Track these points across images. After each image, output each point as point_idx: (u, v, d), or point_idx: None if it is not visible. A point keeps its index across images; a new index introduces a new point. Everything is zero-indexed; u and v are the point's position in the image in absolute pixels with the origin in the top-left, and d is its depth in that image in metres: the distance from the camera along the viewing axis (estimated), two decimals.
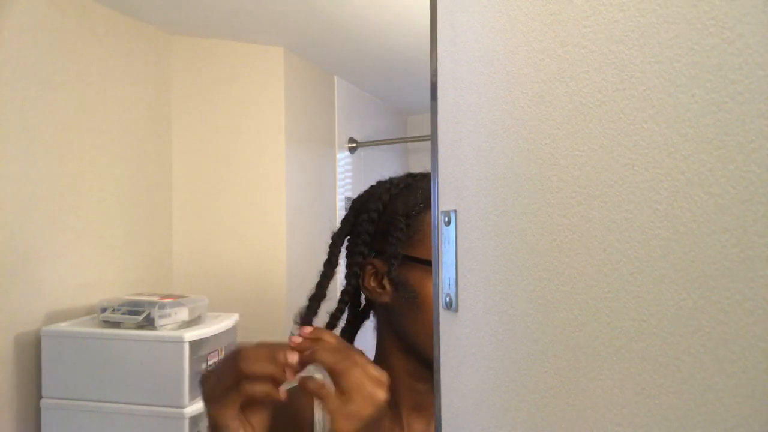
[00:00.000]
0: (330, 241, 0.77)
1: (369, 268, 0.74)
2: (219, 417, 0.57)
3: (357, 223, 0.76)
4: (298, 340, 0.58)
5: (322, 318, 0.75)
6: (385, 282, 0.72)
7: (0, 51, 1.26)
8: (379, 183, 0.81)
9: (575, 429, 0.32)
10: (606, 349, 0.30)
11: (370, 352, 0.79)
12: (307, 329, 0.59)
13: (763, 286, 0.23)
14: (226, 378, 0.56)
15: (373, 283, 0.73)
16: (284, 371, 0.56)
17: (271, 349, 0.56)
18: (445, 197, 0.45)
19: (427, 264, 0.69)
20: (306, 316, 0.70)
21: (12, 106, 1.29)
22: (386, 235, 0.72)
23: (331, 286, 0.76)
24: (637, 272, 0.28)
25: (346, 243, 0.78)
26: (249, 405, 0.58)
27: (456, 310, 0.43)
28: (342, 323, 0.78)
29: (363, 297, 0.79)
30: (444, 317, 0.45)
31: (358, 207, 0.79)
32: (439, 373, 0.45)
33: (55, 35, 1.41)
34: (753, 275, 0.23)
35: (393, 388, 0.72)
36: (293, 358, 0.56)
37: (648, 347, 0.28)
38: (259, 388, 0.56)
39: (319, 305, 0.72)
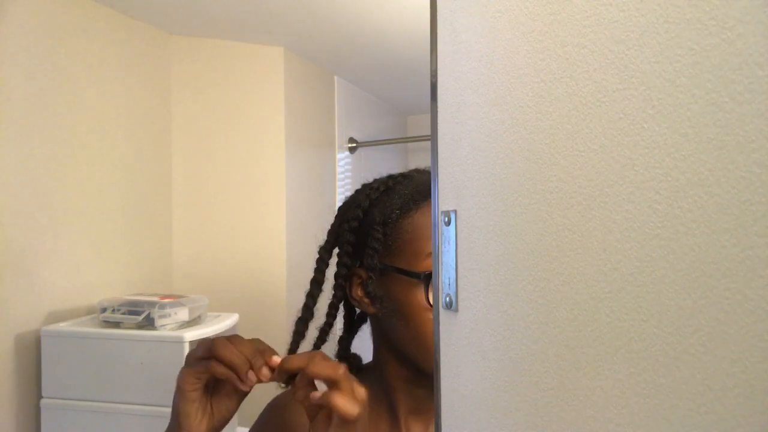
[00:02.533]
0: (317, 256, 0.74)
1: (355, 278, 0.72)
2: (184, 382, 0.59)
3: (339, 233, 0.74)
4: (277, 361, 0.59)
5: (311, 332, 0.74)
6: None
7: None
8: (363, 187, 0.78)
9: (575, 429, 0.32)
10: (606, 349, 0.30)
11: (368, 358, 0.79)
12: (278, 360, 0.59)
13: (763, 286, 0.23)
14: (201, 349, 0.59)
15: (360, 294, 0.71)
16: (250, 368, 0.58)
17: (253, 346, 0.59)
18: (445, 197, 0.45)
19: (406, 274, 0.67)
20: (294, 341, 0.68)
21: (12, 105, 1.29)
22: (365, 245, 0.70)
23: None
24: (637, 272, 0.28)
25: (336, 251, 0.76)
26: (221, 391, 0.60)
27: (456, 310, 0.43)
28: (338, 329, 0.77)
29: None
30: (444, 317, 0.45)
31: (341, 215, 0.76)
32: (439, 373, 0.45)
33: (55, 35, 1.41)
34: (753, 275, 0.23)
35: (390, 394, 0.72)
36: (275, 361, 0.58)
37: (648, 347, 0.28)
38: (220, 370, 0.57)
39: (306, 327, 0.70)
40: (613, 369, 0.29)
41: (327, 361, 0.56)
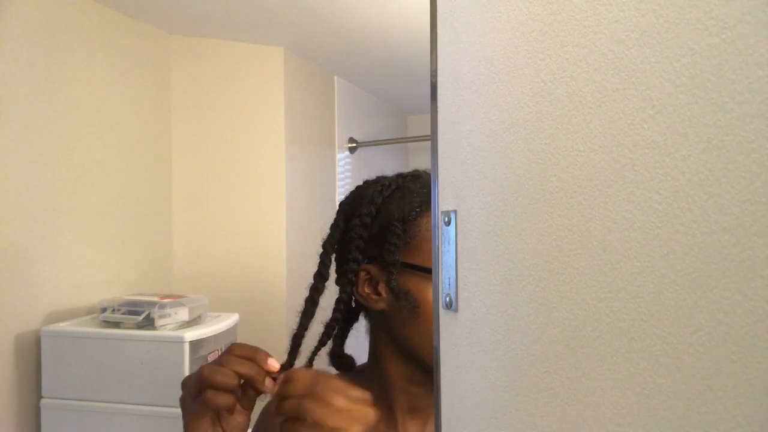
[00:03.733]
0: (320, 250, 0.74)
1: (363, 274, 0.71)
2: (191, 427, 0.59)
3: (349, 228, 0.73)
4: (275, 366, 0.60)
5: (316, 328, 0.73)
6: (381, 288, 0.70)
7: None
8: (367, 184, 0.77)
9: (575, 429, 0.32)
10: (606, 349, 0.30)
11: (361, 356, 0.79)
12: (275, 364, 0.61)
13: (763, 286, 0.23)
14: (195, 387, 0.59)
15: (367, 290, 0.71)
16: (263, 380, 0.59)
17: (242, 362, 0.59)
18: (445, 197, 0.45)
19: (425, 271, 0.67)
20: (297, 335, 0.68)
21: (12, 105, 1.29)
22: (381, 241, 0.69)
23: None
24: (637, 272, 0.28)
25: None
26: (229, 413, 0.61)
27: (456, 310, 0.43)
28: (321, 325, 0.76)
29: (353, 301, 0.75)
30: (444, 317, 0.45)
31: (348, 211, 0.75)
32: (439, 373, 0.45)
33: (54, 35, 1.41)
34: (753, 275, 0.23)
35: (388, 392, 0.72)
36: (272, 365, 0.59)
37: (648, 347, 0.28)
38: (221, 400, 0.58)
39: (309, 323, 0.69)
40: (613, 369, 0.29)
41: (321, 409, 0.58)
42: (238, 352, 0.60)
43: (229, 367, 0.58)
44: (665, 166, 0.27)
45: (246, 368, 0.58)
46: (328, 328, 0.73)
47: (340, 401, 0.58)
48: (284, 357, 0.65)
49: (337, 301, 0.73)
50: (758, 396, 0.23)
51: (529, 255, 0.35)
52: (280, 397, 0.60)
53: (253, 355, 0.60)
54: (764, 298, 0.23)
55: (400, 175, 0.76)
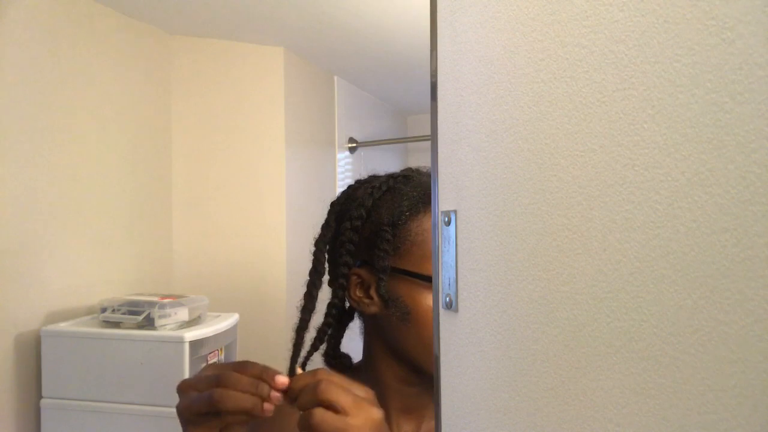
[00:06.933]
0: (313, 248, 0.73)
1: (354, 278, 0.70)
2: None
3: (340, 230, 0.72)
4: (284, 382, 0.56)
5: (310, 332, 0.73)
6: (372, 292, 0.69)
7: (0, 50, 1.26)
8: (359, 183, 0.77)
9: (575, 429, 0.32)
10: (606, 349, 0.30)
11: (356, 354, 0.79)
12: (284, 380, 0.56)
13: (763, 286, 0.23)
14: (201, 404, 0.55)
15: (359, 294, 0.70)
16: (263, 404, 0.55)
17: (253, 382, 0.55)
18: (445, 197, 0.45)
19: (415, 277, 0.66)
20: (300, 328, 0.68)
21: (12, 105, 1.29)
22: (372, 245, 0.69)
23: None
24: (637, 272, 0.28)
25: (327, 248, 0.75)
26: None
27: (456, 310, 0.43)
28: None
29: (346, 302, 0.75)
30: (444, 317, 0.45)
31: (339, 211, 0.74)
32: (439, 373, 0.45)
33: (55, 35, 1.41)
34: (753, 275, 0.23)
35: (382, 393, 0.72)
36: (280, 382, 0.56)
37: (648, 347, 0.28)
38: (237, 419, 0.55)
39: (310, 317, 0.69)
40: (613, 369, 0.29)
41: (334, 386, 0.54)
42: (243, 371, 0.57)
43: (236, 388, 0.55)
44: (665, 166, 0.27)
45: (248, 402, 0.55)
46: (320, 332, 0.73)
47: (343, 378, 0.56)
48: (286, 354, 0.65)
49: (329, 306, 0.72)
50: (758, 396, 0.23)
51: (529, 255, 0.35)
52: (291, 401, 0.57)
53: (261, 374, 0.56)
54: (764, 298, 0.23)
55: (391, 176, 0.75)
